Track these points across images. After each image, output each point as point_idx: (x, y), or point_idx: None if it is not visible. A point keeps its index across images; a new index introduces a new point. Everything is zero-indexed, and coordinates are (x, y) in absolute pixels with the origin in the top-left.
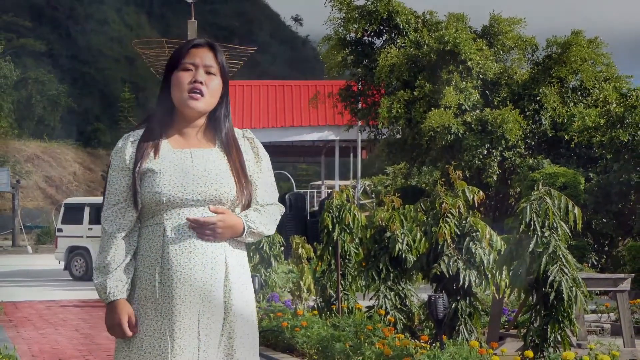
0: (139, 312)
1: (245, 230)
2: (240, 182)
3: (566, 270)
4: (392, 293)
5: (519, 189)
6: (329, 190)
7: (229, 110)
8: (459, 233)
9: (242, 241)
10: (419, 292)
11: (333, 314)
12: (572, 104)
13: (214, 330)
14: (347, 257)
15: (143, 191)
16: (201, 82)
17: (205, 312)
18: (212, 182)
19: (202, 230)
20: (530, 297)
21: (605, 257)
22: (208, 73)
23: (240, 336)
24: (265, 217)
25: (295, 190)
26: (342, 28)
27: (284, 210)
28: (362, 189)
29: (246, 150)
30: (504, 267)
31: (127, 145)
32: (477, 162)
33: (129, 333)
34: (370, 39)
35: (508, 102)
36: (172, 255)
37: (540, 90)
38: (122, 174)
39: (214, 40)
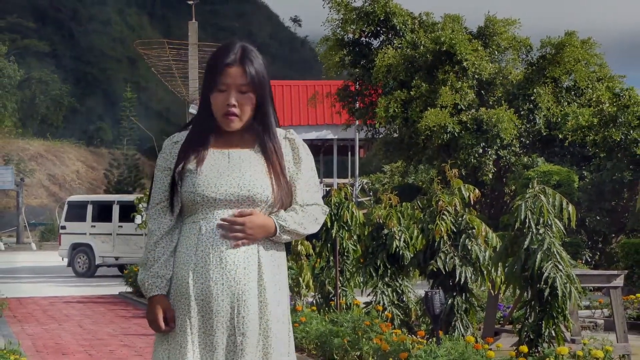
0: (175, 307)
1: (278, 229)
2: (278, 183)
3: (560, 267)
4: (389, 289)
5: (514, 187)
6: (328, 188)
7: (269, 111)
8: (455, 230)
9: (277, 240)
10: (416, 289)
11: (331, 310)
12: (566, 103)
13: (250, 329)
14: (346, 254)
15: (182, 190)
16: (234, 105)
17: (240, 311)
18: (246, 183)
19: (232, 230)
20: (525, 293)
21: (598, 253)
22: (242, 92)
23: (277, 335)
24: (302, 216)
25: None
26: (340, 29)
27: (328, 210)
28: (360, 187)
29: (286, 151)
30: (499, 263)
31: (170, 146)
32: (472, 160)
33: (164, 328)
34: (367, 39)
35: (503, 101)
36: (206, 253)
37: (535, 90)
38: (165, 173)
39: (246, 46)
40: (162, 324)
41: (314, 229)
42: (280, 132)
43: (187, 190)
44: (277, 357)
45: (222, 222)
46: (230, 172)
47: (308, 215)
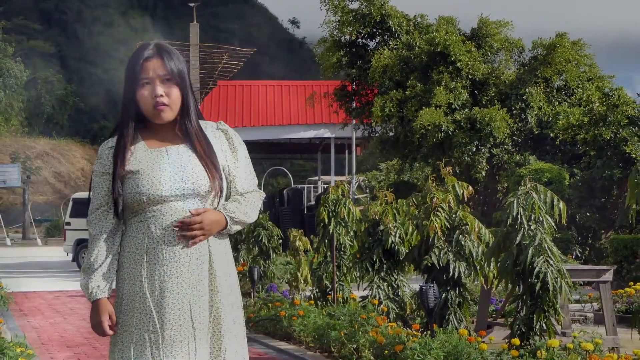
0: (128, 306)
1: (229, 222)
2: (210, 172)
3: (551, 262)
4: (385, 284)
5: (506, 184)
6: (325, 186)
7: (191, 108)
8: (449, 226)
9: (227, 232)
10: (411, 283)
11: (329, 304)
12: (557, 103)
13: (205, 318)
14: (342, 249)
15: (125, 192)
16: (162, 95)
17: (196, 301)
18: (189, 177)
19: (190, 229)
20: (517, 288)
21: (588, 249)
22: (165, 81)
23: (227, 322)
24: (245, 205)
25: (292, 185)
26: (337, 31)
27: (264, 195)
28: (357, 184)
29: (222, 142)
30: (492, 258)
31: (105, 151)
32: (466, 158)
33: (109, 332)
34: (364, 41)
35: (496, 101)
36: (158, 250)
37: (527, 89)
38: (103, 178)
39: (159, 42)
40: (107, 328)
41: (255, 215)
42: (211, 125)
43: (131, 192)
44: (229, 341)
45: (180, 224)
46: (172, 168)
47: (250, 203)
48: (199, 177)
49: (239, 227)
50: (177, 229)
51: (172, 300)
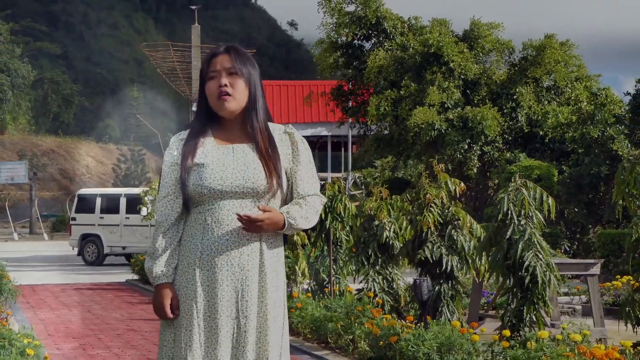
0: (181, 293)
1: (286, 226)
2: (270, 173)
3: (540, 256)
4: (380, 277)
5: (497, 181)
6: (322, 182)
7: (258, 105)
8: (441, 221)
9: (281, 233)
10: (405, 276)
11: (325, 296)
12: (546, 102)
13: (252, 312)
14: (339, 243)
15: (189, 183)
16: (226, 85)
17: (244, 295)
18: (250, 175)
19: (249, 225)
20: (508, 281)
21: (576, 243)
22: (230, 74)
23: (274, 317)
24: (306, 210)
25: None
26: (334, 32)
27: (325, 200)
28: (353, 180)
29: (287, 145)
30: (483, 253)
31: (176, 143)
32: (458, 156)
33: (170, 315)
34: (359, 42)
35: (487, 100)
36: (211, 242)
37: (517, 89)
38: (171, 168)
39: (232, 44)
40: (169, 311)
41: (315, 220)
42: (279, 127)
43: (194, 183)
44: (272, 337)
45: (246, 217)
46: (235, 165)
47: (310, 208)
48: (259, 177)
49: (292, 232)
50: (239, 218)
51: (221, 291)
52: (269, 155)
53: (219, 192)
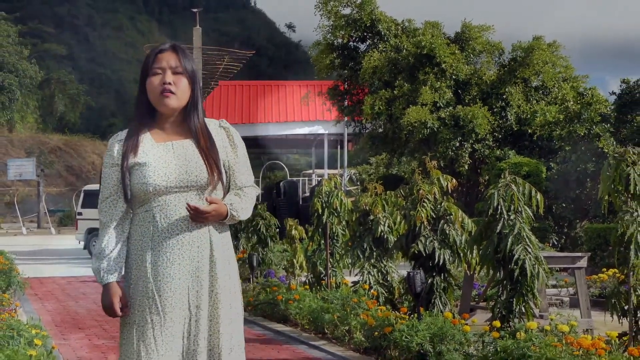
0: (134, 290)
1: (228, 216)
2: (211, 167)
3: (529, 250)
4: (375, 270)
5: (487, 177)
6: (319, 178)
7: (198, 103)
8: (434, 216)
9: (225, 223)
10: (399, 269)
11: (322, 289)
12: (535, 101)
13: (203, 302)
14: (335, 237)
15: (132, 183)
16: (170, 83)
17: (194, 286)
18: (192, 169)
19: (196, 216)
20: (498, 274)
21: (564, 237)
22: (175, 73)
23: (225, 307)
24: (245, 201)
25: (288, 178)
26: (330, 34)
27: (259, 191)
28: (349, 177)
29: (223, 139)
30: (474, 246)
31: (114, 144)
32: (450, 153)
33: (119, 313)
34: (355, 44)
35: (478, 100)
36: (162, 237)
37: (506, 89)
38: (112, 169)
39: (177, 43)
40: (118, 310)
41: (250, 211)
42: (214, 122)
43: (138, 182)
44: (224, 325)
45: (195, 208)
46: (177, 161)
47: (248, 199)
48: (201, 171)
49: (231, 222)
50: (187, 209)
51: (174, 285)
52: (209, 152)
53: (164, 188)
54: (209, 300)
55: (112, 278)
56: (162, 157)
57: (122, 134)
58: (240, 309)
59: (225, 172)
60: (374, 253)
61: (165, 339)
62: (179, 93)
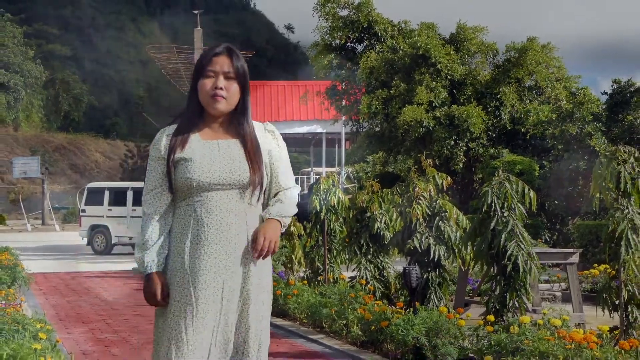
0: (171, 281)
1: (282, 225)
2: (253, 168)
3: (522, 246)
4: (371, 265)
5: (481, 175)
6: (317, 176)
7: (247, 106)
8: (429, 213)
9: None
10: (395, 265)
11: (320, 284)
12: (528, 101)
13: (235, 296)
14: (333, 234)
15: (176, 177)
16: (221, 88)
17: (228, 281)
18: (236, 169)
19: (264, 250)
20: (491, 269)
21: (556, 234)
22: (227, 78)
23: (255, 303)
24: (287, 203)
25: None
26: (328, 35)
27: (300, 189)
28: (346, 175)
29: (268, 142)
30: (468, 242)
31: (162, 138)
32: (445, 151)
33: (162, 302)
34: (352, 45)
35: (472, 99)
36: (202, 231)
37: (500, 89)
38: (158, 163)
39: (231, 45)
40: (160, 299)
41: (295, 209)
42: (259, 125)
43: (182, 177)
44: (253, 320)
45: (257, 248)
46: (222, 160)
47: (291, 200)
48: (244, 171)
49: (288, 221)
50: (253, 246)
51: (209, 277)
52: (254, 154)
53: (207, 184)
54: (240, 297)
55: (155, 268)
56: (208, 154)
57: (170, 129)
58: (269, 307)
59: (267, 174)
60: (371, 249)
61: (196, 330)
62: (229, 97)
